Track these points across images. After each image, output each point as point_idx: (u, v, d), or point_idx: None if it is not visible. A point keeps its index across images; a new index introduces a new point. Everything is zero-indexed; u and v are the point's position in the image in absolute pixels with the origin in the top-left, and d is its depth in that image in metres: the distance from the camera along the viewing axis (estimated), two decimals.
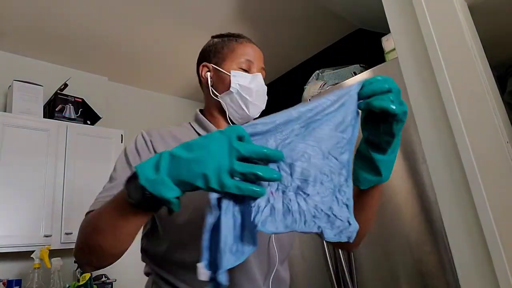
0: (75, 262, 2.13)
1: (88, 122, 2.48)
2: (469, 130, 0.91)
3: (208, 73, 0.86)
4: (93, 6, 2.13)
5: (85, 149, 2.32)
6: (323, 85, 1.73)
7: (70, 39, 2.41)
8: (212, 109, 0.86)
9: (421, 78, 1.04)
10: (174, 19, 2.31)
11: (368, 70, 1.50)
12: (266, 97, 0.87)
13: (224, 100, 0.83)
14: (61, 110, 2.33)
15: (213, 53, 0.87)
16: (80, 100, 2.45)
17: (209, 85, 0.85)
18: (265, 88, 0.87)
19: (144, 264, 0.91)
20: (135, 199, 0.47)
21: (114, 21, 2.28)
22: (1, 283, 1.90)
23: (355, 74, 1.67)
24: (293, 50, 2.81)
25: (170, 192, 0.44)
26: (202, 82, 0.88)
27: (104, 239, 0.56)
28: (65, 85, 2.45)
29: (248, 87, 0.82)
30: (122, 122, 2.87)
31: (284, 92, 3.11)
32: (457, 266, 0.92)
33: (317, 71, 1.85)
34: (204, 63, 0.88)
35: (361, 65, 1.74)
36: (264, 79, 0.91)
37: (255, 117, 0.85)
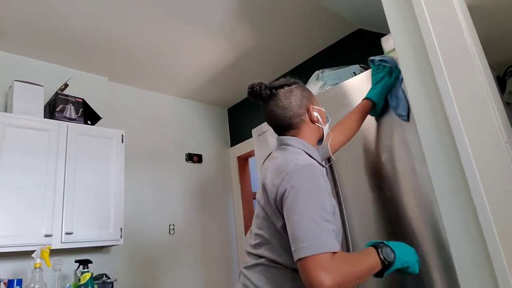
0: (76, 261, 2.14)
1: (89, 122, 2.49)
2: (468, 130, 0.91)
3: (315, 113, 1.12)
4: (94, 7, 2.14)
5: (85, 149, 2.32)
6: (323, 85, 1.73)
7: (70, 39, 2.41)
8: (314, 138, 1.13)
9: (420, 78, 1.04)
10: (174, 19, 2.31)
11: (368, 71, 1.50)
12: None
13: (325, 129, 1.15)
14: (62, 110, 2.34)
15: (308, 98, 1.13)
16: (81, 100, 2.46)
17: (318, 121, 1.12)
18: None
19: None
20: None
21: (115, 21, 2.28)
22: (2, 282, 1.90)
23: (355, 74, 1.67)
24: (293, 50, 2.81)
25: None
26: (311, 120, 1.12)
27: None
28: (66, 85, 2.45)
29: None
30: (122, 122, 2.88)
31: None
32: (457, 266, 0.92)
33: (317, 72, 1.85)
34: (310, 106, 1.12)
35: (361, 65, 1.74)
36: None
37: None
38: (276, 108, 1.09)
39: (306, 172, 0.94)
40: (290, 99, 1.09)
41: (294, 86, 1.12)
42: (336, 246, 0.86)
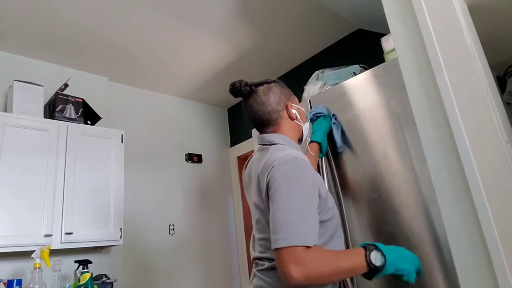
0: (75, 261, 2.14)
1: (89, 122, 2.49)
2: (468, 130, 0.91)
3: (293, 110, 1.16)
4: (94, 7, 2.14)
5: (85, 149, 2.32)
6: (323, 85, 1.73)
7: (70, 39, 2.41)
8: (294, 134, 1.15)
9: (420, 78, 1.04)
10: (174, 19, 2.31)
11: (368, 71, 1.50)
12: None
13: (304, 127, 1.19)
14: (62, 110, 2.34)
15: (286, 96, 1.17)
16: (81, 100, 2.45)
17: (297, 118, 1.16)
18: None
19: None
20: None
21: (115, 21, 2.28)
22: (2, 283, 1.90)
23: (355, 74, 1.67)
24: (293, 50, 2.81)
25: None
26: (290, 117, 1.15)
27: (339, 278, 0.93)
28: (66, 85, 2.45)
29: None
30: (122, 122, 2.88)
31: None
32: (457, 266, 0.92)
33: (317, 72, 1.85)
34: (288, 104, 1.16)
35: (361, 65, 1.74)
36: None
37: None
38: (255, 103, 1.13)
39: (291, 165, 0.94)
40: (268, 95, 1.13)
41: (273, 84, 1.16)
42: (312, 239, 0.85)
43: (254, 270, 1.04)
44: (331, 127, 1.53)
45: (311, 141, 1.49)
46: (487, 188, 0.87)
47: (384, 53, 1.58)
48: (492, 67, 1.24)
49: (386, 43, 1.57)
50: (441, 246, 1.18)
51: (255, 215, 1.05)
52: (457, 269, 0.92)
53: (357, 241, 1.42)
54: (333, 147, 1.54)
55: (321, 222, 0.95)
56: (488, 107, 0.90)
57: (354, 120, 1.50)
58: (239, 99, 3.58)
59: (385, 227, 1.34)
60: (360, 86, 1.51)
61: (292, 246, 0.83)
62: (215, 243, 3.19)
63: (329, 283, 0.90)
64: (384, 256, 0.89)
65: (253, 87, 1.14)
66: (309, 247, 0.84)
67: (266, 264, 0.98)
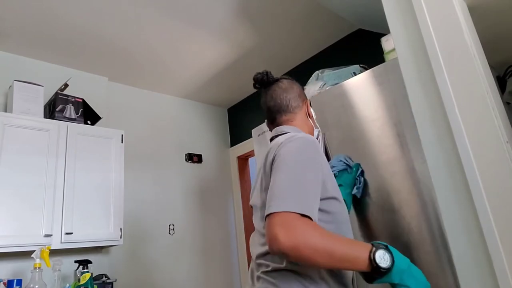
0: (75, 261, 2.14)
1: (89, 122, 2.49)
2: (468, 130, 0.92)
3: (311, 109, 1.16)
4: (94, 7, 2.14)
5: (85, 149, 2.32)
6: (323, 85, 1.73)
7: (70, 39, 2.41)
8: (307, 131, 1.12)
9: (420, 78, 1.04)
10: (174, 19, 2.32)
11: (368, 71, 1.50)
12: None
13: (315, 132, 1.16)
14: (62, 110, 2.34)
15: (305, 96, 1.19)
16: (81, 100, 2.46)
17: (312, 117, 1.17)
18: None
19: None
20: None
21: (115, 21, 2.28)
22: (2, 283, 1.90)
23: (355, 74, 1.68)
24: (293, 50, 2.81)
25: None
26: (307, 113, 1.15)
27: (332, 264, 0.76)
28: (66, 85, 2.45)
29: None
30: (122, 122, 2.88)
31: None
32: (457, 266, 0.92)
33: (317, 72, 1.85)
34: (308, 101, 1.17)
35: (361, 65, 1.74)
36: None
37: None
38: (279, 88, 1.15)
39: (299, 142, 0.90)
40: (292, 86, 1.17)
41: (295, 82, 1.21)
42: (311, 211, 0.76)
43: (257, 272, 0.92)
44: (355, 179, 1.38)
45: None
46: (487, 188, 0.87)
47: (384, 53, 1.58)
48: (492, 67, 1.24)
49: (386, 43, 1.57)
50: (441, 246, 1.18)
51: (259, 212, 0.97)
52: (457, 269, 0.92)
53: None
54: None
55: (326, 211, 0.88)
56: (488, 107, 0.90)
57: (354, 120, 1.50)
58: (239, 98, 3.59)
59: (385, 227, 1.34)
60: (360, 86, 1.51)
61: (285, 212, 0.73)
62: (215, 243, 3.20)
63: (319, 265, 0.76)
64: (393, 260, 0.77)
65: (278, 78, 1.20)
66: (305, 216, 0.74)
67: (271, 265, 0.88)
